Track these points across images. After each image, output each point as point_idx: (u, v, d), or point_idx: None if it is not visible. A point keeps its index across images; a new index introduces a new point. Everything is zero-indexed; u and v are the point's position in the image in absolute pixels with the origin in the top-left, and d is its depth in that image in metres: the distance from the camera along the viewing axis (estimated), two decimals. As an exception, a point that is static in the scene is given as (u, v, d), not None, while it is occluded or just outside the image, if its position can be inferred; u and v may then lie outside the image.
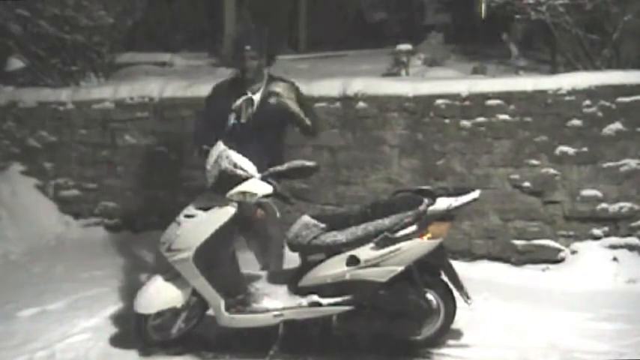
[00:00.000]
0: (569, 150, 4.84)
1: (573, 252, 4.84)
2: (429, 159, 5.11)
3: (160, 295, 3.57)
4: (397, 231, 3.41)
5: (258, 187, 3.43)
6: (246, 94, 3.88)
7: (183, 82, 5.91)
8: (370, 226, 3.44)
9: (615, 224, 4.79)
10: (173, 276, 3.58)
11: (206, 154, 3.64)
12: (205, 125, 4.00)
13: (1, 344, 3.75)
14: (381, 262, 3.42)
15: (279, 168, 3.49)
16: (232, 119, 3.84)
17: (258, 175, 3.48)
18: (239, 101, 3.80)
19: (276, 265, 4.03)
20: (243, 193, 3.42)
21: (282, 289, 3.62)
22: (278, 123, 3.92)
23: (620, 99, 4.75)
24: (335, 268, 3.46)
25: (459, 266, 3.80)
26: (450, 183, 4.91)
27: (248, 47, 3.91)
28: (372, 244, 3.42)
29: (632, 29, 5.38)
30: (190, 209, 3.56)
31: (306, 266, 3.56)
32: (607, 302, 4.23)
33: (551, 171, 4.87)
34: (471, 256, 5.02)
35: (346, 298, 3.46)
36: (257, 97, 3.91)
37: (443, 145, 5.07)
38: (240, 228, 3.66)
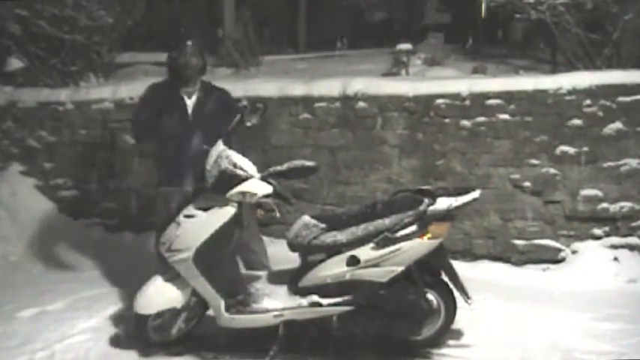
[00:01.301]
0: (570, 150, 4.83)
1: (574, 252, 4.84)
2: (429, 159, 5.10)
3: (159, 295, 3.56)
4: (397, 231, 3.41)
5: (258, 187, 3.43)
6: (181, 95, 3.93)
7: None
8: (370, 226, 3.44)
9: (616, 224, 4.79)
10: (173, 276, 3.57)
11: (206, 154, 3.63)
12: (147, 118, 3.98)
13: (1, 345, 3.75)
14: (381, 262, 3.41)
15: (279, 168, 3.48)
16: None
17: (258, 175, 3.47)
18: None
19: (263, 258, 4.08)
20: (243, 193, 3.42)
21: (282, 290, 3.61)
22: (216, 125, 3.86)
23: (621, 98, 4.75)
24: (335, 268, 3.45)
25: (459, 266, 3.79)
26: (450, 183, 4.91)
27: (190, 43, 3.90)
28: (372, 244, 3.41)
29: (632, 29, 5.37)
30: (190, 209, 3.55)
31: (306, 266, 3.55)
32: (608, 302, 4.23)
33: (552, 171, 4.87)
34: (471, 256, 5.02)
35: (346, 298, 3.45)
36: (191, 101, 3.95)
37: (443, 145, 5.07)
38: None
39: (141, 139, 4.16)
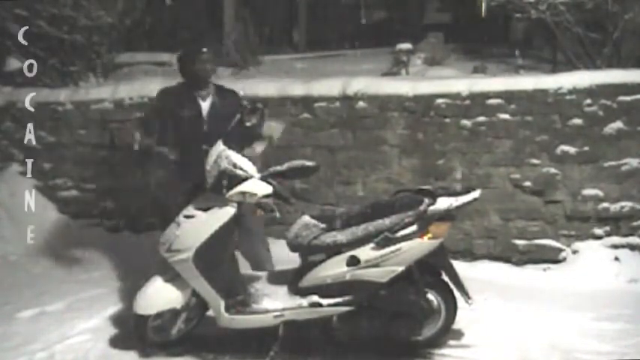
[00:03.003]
0: (570, 149, 4.83)
1: (574, 252, 4.83)
2: (429, 159, 5.09)
3: (159, 295, 3.56)
4: (397, 231, 3.40)
5: (257, 187, 3.42)
6: (196, 98, 3.95)
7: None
8: (370, 226, 3.43)
9: (616, 224, 4.79)
10: (173, 277, 3.57)
11: (206, 154, 3.63)
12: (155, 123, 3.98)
13: (1, 345, 3.74)
14: (381, 263, 3.41)
15: (279, 168, 3.48)
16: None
17: (257, 175, 3.46)
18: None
19: (266, 257, 4.08)
20: (243, 193, 3.41)
21: (282, 290, 3.61)
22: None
23: (621, 98, 4.75)
24: (335, 268, 3.45)
25: (459, 266, 3.79)
26: (451, 183, 4.90)
27: (205, 49, 3.94)
28: (372, 245, 3.41)
29: (632, 28, 5.37)
30: (190, 210, 3.55)
31: (307, 267, 3.55)
32: (608, 302, 4.22)
33: (552, 170, 4.86)
34: (471, 256, 5.01)
35: (346, 298, 3.45)
36: (207, 104, 3.97)
37: (443, 145, 5.06)
38: None
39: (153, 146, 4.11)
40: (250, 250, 4.06)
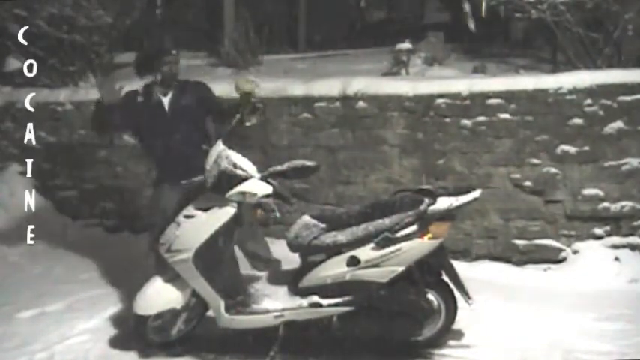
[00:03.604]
0: (571, 149, 4.82)
1: (575, 251, 4.82)
2: (429, 158, 5.09)
3: (159, 296, 3.56)
4: (398, 231, 3.40)
5: (257, 187, 3.41)
6: (158, 96, 3.98)
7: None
8: (370, 226, 3.42)
9: (617, 223, 4.78)
10: (173, 277, 3.56)
11: (206, 154, 3.62)
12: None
13: (1, 345, 3.75)
14: (381, 263, 3.40)
15: (279, 168, 3.47)
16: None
17: (257, 175, 3.46)
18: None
19: (265, 253, 4.13)
20: (243, 193, 3.41)
21: (283, 290, 3.60)
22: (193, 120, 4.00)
23: (622, 98, 4.74)
24: (335, 268, 3.44)
25: (459, 266, 3.78)
26: (451, 182, 4.89)
27: (174, 52, 3.99)
28: (372, 245, 3.40)
29: (633, 27, 5.36)
30: (190, 210, 3.54)
31: (307, 267, 3.54)
32: (609, 302, 4.21)
33: (553, 170, 4.86)
34: (471, 256, 5.01)
35: (347, 298, 3.44)
36: (167, 98, 3.99)
37: (443, 145, 5.06)
38: None
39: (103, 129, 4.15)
40: (245, 240, 4.07)
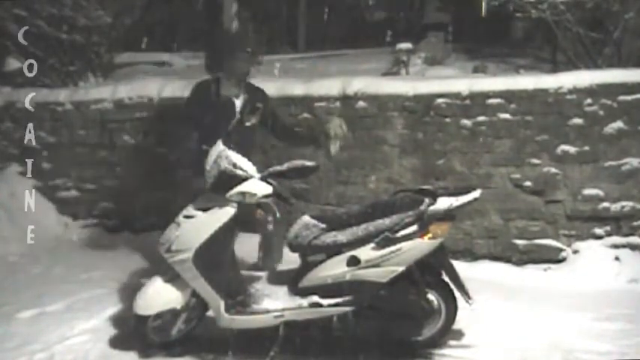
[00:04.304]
0: (571, 149, 4.82)
1: (575, 251, 4.83)
2: (429, 158, 5.09)
3: (159, 296, 3.55)
4: (398, 231, 3.39)
5: (257, 187, 3.41)
6: (229, 97, 3.95)
7: (182, 82, 5.88)
8: (371, 226, 3.42)
9: (617, 223, 4.78)
10: (172, 277, 3.56)
11: (206, 154, 3.62)
12: (187, 137, 3.97)
13: (1, 345, 3.73)
14: (381, 263, 3.40)
15: (279, 168, 3.47)
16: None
17: (257, 176, 3.46)
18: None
19: (277, 258, 4.14)
20: (243, 193, 3.40)
21: (283, 290, 3.60)
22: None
23: (622, 97, 4.74)
24: (335, 268, 3.44)
25: (459, 266, 3.77)
26: (451, 182, 4.89)
27: (249, 49, 3.89)
28: (372, 245, 3.40)
29: (633, 27, 5.36)
30: (190, 210, 3.54)
31: (307, 267, 3.54)
32: (609, 302, 4.21)
33: (553, 170, 4.86)
34: (472, 256, 5.01)
35: (347, 298, 3.44)
36: (239, 102, 3.97)
37: (443, 145, 5.05)
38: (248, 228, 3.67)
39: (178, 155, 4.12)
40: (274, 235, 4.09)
